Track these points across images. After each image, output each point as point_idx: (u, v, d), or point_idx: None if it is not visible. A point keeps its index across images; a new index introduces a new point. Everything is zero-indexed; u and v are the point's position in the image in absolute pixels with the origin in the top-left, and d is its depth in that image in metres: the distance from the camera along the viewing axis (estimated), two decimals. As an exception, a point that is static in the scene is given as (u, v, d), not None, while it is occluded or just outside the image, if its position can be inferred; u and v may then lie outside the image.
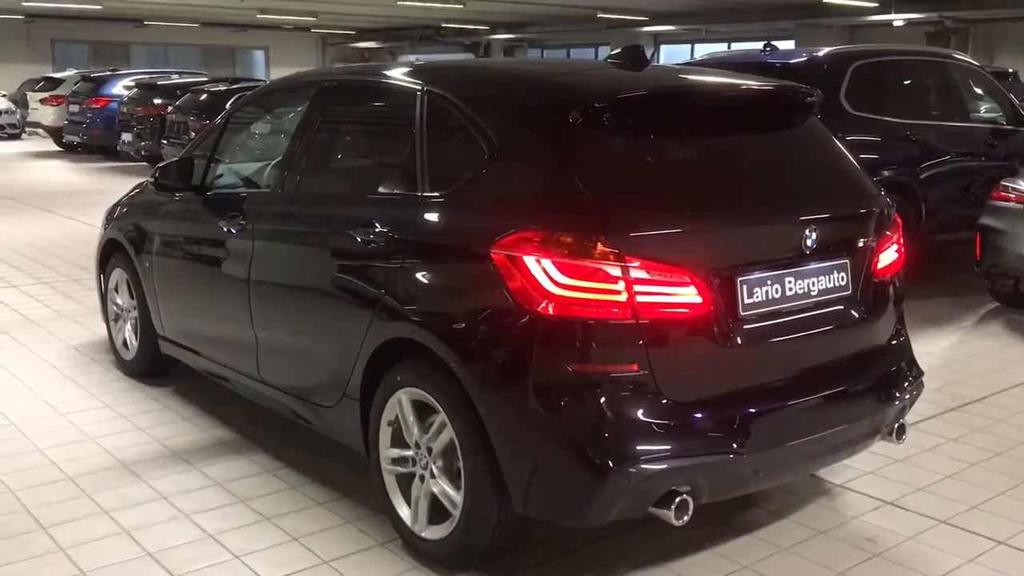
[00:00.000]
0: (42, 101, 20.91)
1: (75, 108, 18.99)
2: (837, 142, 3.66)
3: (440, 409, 3.11)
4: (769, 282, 3.08)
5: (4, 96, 25.05)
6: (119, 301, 5.33)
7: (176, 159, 4.66)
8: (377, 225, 3.38)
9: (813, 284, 3.21)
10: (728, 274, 2.97)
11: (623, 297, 2.77)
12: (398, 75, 3.74)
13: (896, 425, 3.46)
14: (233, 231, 4.15)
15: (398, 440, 3.35)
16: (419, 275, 3.22)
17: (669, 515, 2.84)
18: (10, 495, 3.77)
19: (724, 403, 2.97)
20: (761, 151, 3.39)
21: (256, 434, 4.40)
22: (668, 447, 2.83)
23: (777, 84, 3.59)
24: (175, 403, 4.86)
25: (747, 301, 3.01)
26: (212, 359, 4.50)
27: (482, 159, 3.16)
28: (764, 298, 3.06)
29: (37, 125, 21.77)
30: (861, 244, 3.39)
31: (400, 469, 3.36)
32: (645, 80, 3.35)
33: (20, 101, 23.64)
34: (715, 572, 3.24)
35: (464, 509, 3.07)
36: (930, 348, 5.90)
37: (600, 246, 2.77)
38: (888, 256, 3.50)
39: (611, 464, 2.76)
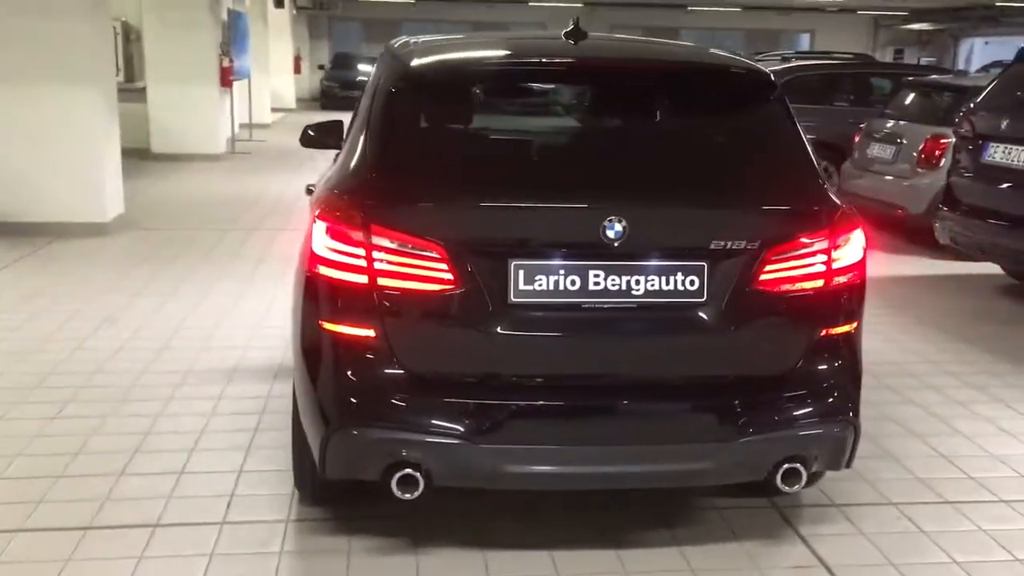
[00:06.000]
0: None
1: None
2: (790, 131, 3.08)
3: None
4: (562, 272, 2.81)
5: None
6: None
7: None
8: None
9: (637, 283, 2.84)
10: (500, 256, 2.81)
11: (363, 263, 2.79)
12: None
13: (785, 468, 2.91)
14: None
15: None
16: None
17: (393, 486, 2.81)
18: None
19: (472, 388, 2.86)
20: (615, 138, 3.27)
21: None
22: (394, 417, 2.82)
23: (685, 63, 3.38)
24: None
25: (523, 287, 2.80)
26: None
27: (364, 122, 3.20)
28: (551, 287, 2.81)
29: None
30: (730, 247, 2.86)
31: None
32: (502, 54, 3.33)
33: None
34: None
35: (293, 444, 3.30)
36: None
37: (346, 212, 2.82)
38: (794, 267, 2.91)
39: (334, 420, 2.85)
